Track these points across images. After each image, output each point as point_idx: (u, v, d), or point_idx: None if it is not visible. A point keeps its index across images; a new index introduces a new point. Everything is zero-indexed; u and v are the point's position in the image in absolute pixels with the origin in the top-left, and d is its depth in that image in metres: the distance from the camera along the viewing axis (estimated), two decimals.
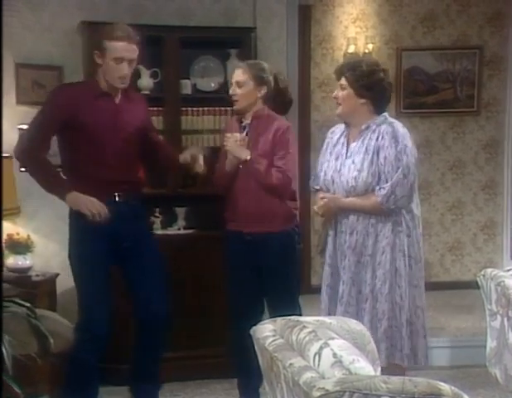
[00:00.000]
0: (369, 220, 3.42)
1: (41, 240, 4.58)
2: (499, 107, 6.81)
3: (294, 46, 5.10)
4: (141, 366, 3.89)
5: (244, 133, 3.84)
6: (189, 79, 4.82)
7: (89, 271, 3.67)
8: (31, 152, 3.67)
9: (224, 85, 4.84)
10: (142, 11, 4.82)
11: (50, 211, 4.59)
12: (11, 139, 4.56)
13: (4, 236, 4.40)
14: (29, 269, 4.43)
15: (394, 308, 3.40)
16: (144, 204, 3.86)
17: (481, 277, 3.57)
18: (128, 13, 4.74)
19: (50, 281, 4.48)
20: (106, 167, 3.67)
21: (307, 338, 2.18)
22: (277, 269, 3.82)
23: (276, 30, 4.94)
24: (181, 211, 4.78)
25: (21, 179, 4.50)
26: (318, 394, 1.88)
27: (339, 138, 3.58)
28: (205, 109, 4.75)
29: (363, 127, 3.47)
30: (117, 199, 3.71)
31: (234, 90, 3.84)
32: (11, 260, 4.40)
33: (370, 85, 3.46)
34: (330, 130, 3.69)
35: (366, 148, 3.42)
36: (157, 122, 4.52)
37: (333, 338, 2.16)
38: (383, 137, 3.40)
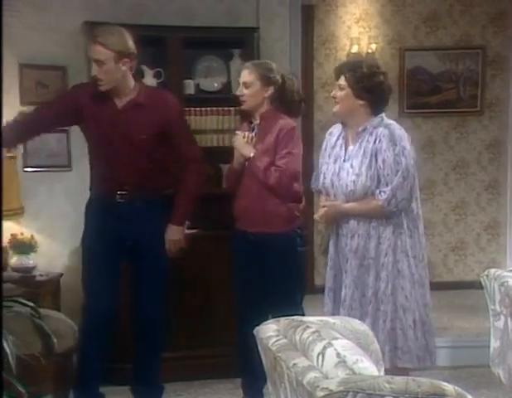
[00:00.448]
0: (370, 224, 3.41)
1: (45, 239, 4.59)
2: (503, 107, 6.80)
3: (297, 46, 5.11)
4: (139, 367, 3.91)
5: (253, 133, 3.86)
6: (192, 79, 4.82)
7: (91, 261, 3.83)
8: (26, 118, 3.84)
9: (227, 85, 4.85)
10: (145, 11, 4.83)
11: (53, 211, 4.60)
12: None
13: (8, 236, 4.41)
14: (33, 268, 4.44)
15: (398, 310, 3.38)
16: (157, 206, 3.83)
17: (485, 277, 3.57)
18: (131, 13, 4.74)
19: (54, 281, 4.48)
20: (108, 167, 3.76)
21: (311, 338, 2.18)
22: (277, 271, 3.82)
23: (279, 30, 4.94)
24: None
25: (25, 179, 4.52)
26: (322, 394, 1.89)
27: (337, 140, 3.56)
28: (209, 109, 4.76)
29: (360, 129, 3.45)
30: (118, 199, 3.74)
31: (241, 91, 3.84)
32: (15, 260, 4.40)
33: (370, 88, 3.44)
34: (328, 131, 3.67)
35: (364, 151, 3.41)
36: None
37: (337, 338, 2.16)
38: (380, 140, 3.38)
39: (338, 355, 2.04)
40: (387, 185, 3.36)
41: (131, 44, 3.72)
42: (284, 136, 3.78)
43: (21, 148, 4.57)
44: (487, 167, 6.95)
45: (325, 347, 2.09)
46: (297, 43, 5.10)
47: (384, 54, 6.77)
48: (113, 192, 3.76)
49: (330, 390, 1.88)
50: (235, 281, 3.97)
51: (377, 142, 3.39)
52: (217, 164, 4.80)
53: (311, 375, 2.02)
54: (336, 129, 3.61)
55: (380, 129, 3.41)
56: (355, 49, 6.68)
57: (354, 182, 3.40)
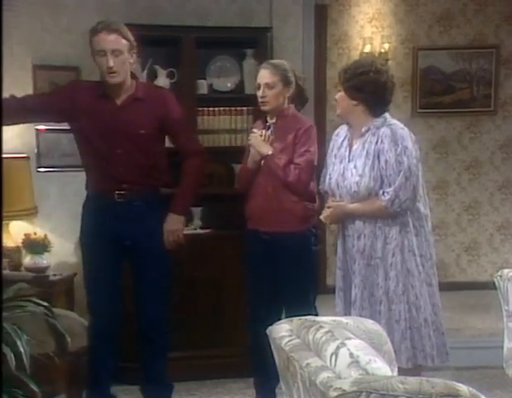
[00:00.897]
0: (375, 224, 3.41)
1: (58, 239, 4.61)
2: None
3: (310, 45, 5.09)
4: (145, 367, 3.92)
5: (269, 132, 3.86)
6: (205, 79, 4.83)
7: (91, 262, 3.82)
8: (23, 100, 3.72)
9: (240, 85, 4.85)
10: (159, 11, 4.84)
11: (67, 211, 4.62)
12: (28, 140, 4.62)
13: (22, 236, 4.43)
14: (46, 268, 4.45)
15: (411, 309, 3.38)
16: (156, 205, 3.83)
17: (498, 277, 3.56)
18: (144, 14, 4.76)
19: (68, 280, 4.50)
20: (106, 166, 3.71)
21: (324, 338, 2.18)
22: (291, 270, 3.82)
23: (292, 29, 4.94)
24: (197, 211, 4.79)
25: (38, 179, 4.54)
26: (335, 394, 1.88)
27: (343, 141, 3.57)
28: (221, 108, 4.76)
29: (363, 130, 3.44)
30: (116, 198, 3.73)
31: (264, 92, 3.82)
32: (28, 260, 4.42)
33: (359, 87, 3.41)
34: (335, 132, 3.68)
35: (367, 152, 3.40)
36: None
37: (350, 338, 2.16)
38: (382, 140, 3.37)
39: (351, 355, 2.04)
40: (390, 185, 3.35)
41: None
42: (303, 134, 3.80)
43: (34, 148, 4.61)
44: (500, 167, 6.93)
45: (338, 347, 2.09)
46: (309, 43, 5.09)
47: (397, 53, 6.76)
48: (111, 192, 3.72)
49: (344, 391, 1.88)
50: (248, 281, 3.97)
51: (379, 142, 3.38)
52: (230, 164, 4.80)
53: (324, 375, 2.02)
54: (343, 130, 3.61)
55: (382, 129, 3.39)
56: (367, 48, 6.66)
57: (357, 183, 3.39)
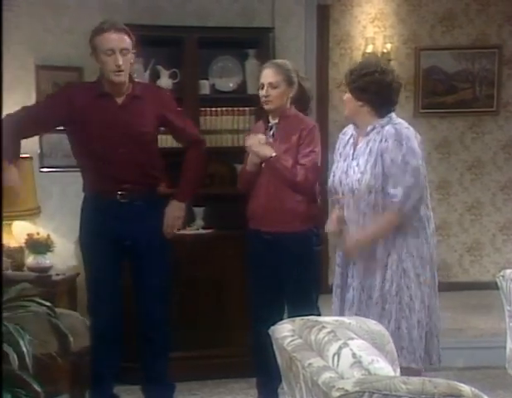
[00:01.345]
0: None
1: (61, 239, 4.61)
2: None
3: (312, 45, 5.10)
4: (146, 367, 3.92)
5: (271, 133, 3.86)
6: (207, 79, 4.83)
7: (91, 263, 3.82)
8: (21, 118, 3.66)
9: (243, 85, 4.86)
10: (161, 12, 4.84)
11: (69, 211, 4.60)
12: (31, 140, 4.60)
13: (24, 236, 4.44)
14: (49, 268, 4.46)
15: (404, 309, 3.35)
16: (156, 204, 3.84)
17: (500, 278, 3.56)
18: (146, 14, 4.77)
19: (70, 280, 4.51)
20: (107, 166, 3.71)
21: (326, 338, 2.18)
22: (294, 270, 3.82)
23: (294, 30, 4.94)
24: (199, 211, 4.79)
25: (41, 180, 4.54)
26: (337, 394, 1.89)
27: (348, 139, 3.57)
28: (224, 109, 4.77)
29: (368, 128, 3.44)
30: (119, 198, 3.73)
31: (267, 91, 3.81)
32: (31, 260, 4.43)
33: (363, 88, 3.41)
34: (342, 131, 3.68)
35: (370, 150, 3.39)
36: None
37: (352, 338, 2.16)
38: (385, 139, 3.36)
39: (354, 355, 2.04)
40: (395, 185, 3.31)
41: None
42: (307, 135, 3.80)
43: (37, 149, 4.61)
44: (503, 168, 6.92)
45: (340, 348, 2.09)
46: (312, 43, 5.09)
47: (400, 54, 6.75)
48: (113, 192, 3.72)
49: (346, 391, 1.88)
50: (249, 281, 3.97)
51: (383, 141, 3.37)
52: (232, 164, 4.81)
53: (327, 375, 2.02)
54: (349, 129, 3.61)
55: (386, 128, 3.39)
56: (370, 49, 6.66)
57: (358, 180, 3.38)
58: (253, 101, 4.34)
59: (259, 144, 3.81)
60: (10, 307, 3.00)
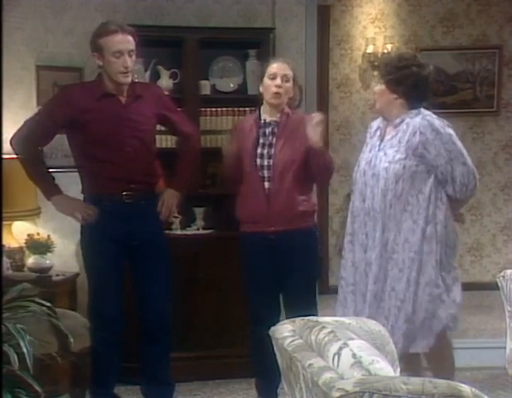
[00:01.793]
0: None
1: (61, 240, 4.61)
2: None
3: (313, 46, 5.10)
4: (147, 366, 3.92)
5: (269, 130, 3.81)
6: (208, 79, 4.83)
7: (96, 265, 3.80)
8: (30, 141, 3.75)
9: (243, 86, 4.86)
10: (162, 12, 4.85)
11: None
12: None
13: (24, 236, 4.44)
14: (49, 268, 4.45)
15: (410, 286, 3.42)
16: (156, 203, 3.84)
17: (501, 278, 3.56)
18: (147, 15, 4.78)
19: (71, 281, 4.51)
20: (113, 167, 3.70)
21: (327, 339, 2.18)
22: (300, 267, 3.80)
23: (294, 30, 4.94)
24: (199, 212, 4.79)
25: None
26: (338, 394, 1.88)
27: (375, 131, 3.60)
28: (224, 109, 4.77)
29: (397, 121, 3.46)
30: (124, 198, 3.73)
31: (281, 82, 3.74)
32: (31, 260, 4.42)
33: (400, 80, 3.43)
34: (370, 124, 3.71)
35: (399, 141, 3.41)
36: None
37: (352, 339, 2.16)
38: (421, 132, 3.39)
39: (354, 355, 2.04)
40: (443, 174, 3.40)
41: None
42: None
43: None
44: (503, 168, 6.92)
45: (340, 348, 2.09)
46: (312, 43, 5.09)
47: None
48: (118, 193, 3.72)
49: (346, 391, 1.88)
50: (248, 282, 3.94)
51: (417, 134, 3.39)
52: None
53: (327, 375, 2.02)
54: (376, 122, 3.64)
55: (417, 120, 3.41)
56: (370, 49, 6.67)
57: (386, 168, 3.40)
58: (253, 101, 4.34)
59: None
60: (10, 307, 3.00)
